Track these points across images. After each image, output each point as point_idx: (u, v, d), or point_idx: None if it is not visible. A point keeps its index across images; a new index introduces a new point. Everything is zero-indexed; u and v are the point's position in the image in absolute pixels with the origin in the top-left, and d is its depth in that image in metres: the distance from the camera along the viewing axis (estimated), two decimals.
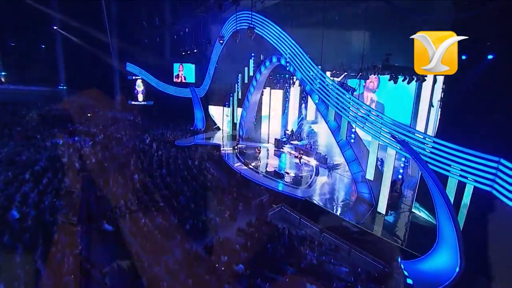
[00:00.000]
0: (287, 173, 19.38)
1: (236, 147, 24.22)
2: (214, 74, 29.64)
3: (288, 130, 27.35)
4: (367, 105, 14.35)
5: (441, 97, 16.66)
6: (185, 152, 23.81)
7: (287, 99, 28.11)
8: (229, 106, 30.08)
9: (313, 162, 21.66)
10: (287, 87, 27.26)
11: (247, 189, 17.28)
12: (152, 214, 12.99)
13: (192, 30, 25.85)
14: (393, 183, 16.25)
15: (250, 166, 20.54)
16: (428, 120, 17.45)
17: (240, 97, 28.11)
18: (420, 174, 14.83)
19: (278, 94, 27.33)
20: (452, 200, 11.27)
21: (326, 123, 17.31)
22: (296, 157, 22.52)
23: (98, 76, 37.22)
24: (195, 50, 23.93)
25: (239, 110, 28.35)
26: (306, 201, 15.67)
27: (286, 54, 19.39)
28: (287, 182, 17.98)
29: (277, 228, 12.83)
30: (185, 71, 34.19)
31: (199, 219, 13.24)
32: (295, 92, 27.67)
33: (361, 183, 15.93)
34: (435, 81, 16.73)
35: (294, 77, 25.78)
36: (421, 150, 11.66)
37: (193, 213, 13.70)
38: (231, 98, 29.45)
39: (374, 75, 18.07)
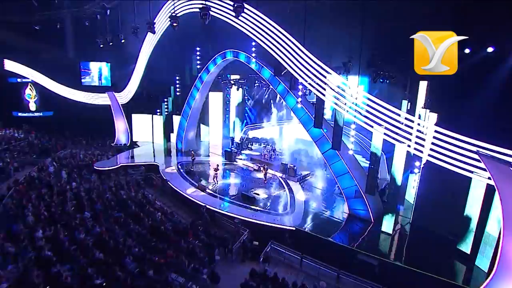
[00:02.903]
0: (257, 194, 15.83)
1: (192, 165, 19.71)
2: (143, 74, 23.96)
3: (236, 139, 23.65)
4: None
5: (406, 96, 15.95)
6: (111, 179, 17.78)
7: (227, 102, 24.39)
8: (161, 114, 24.46)
9: (277, 174, 18.58)
10: (228, 89, 23.47)
11: (217, 226, 12.94)
12: None
13: (116, 12, 18.43)
14: (382, 191, 14.99)
15: (208, 191, 16.13)
16: None
17: (179, 102, 23.31)
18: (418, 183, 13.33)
19: (217, 97, 23.37)
20: (479, 207, 10.04)
21: (307, 131, 14.39)
22: (256, 170, 19.12)
23: None
24: (122, 40, 17.23)
25: (176, 118, 23.33)
26: (298, 231, 12.39)
27: (272, 50, 14.91)
28: (263, 208, 14.38)
29: (287, 285, 9.08)
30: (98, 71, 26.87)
31: None
32: (236, 94, 24.19)
33: (355, 199, 13.54)
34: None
35: (233, 80, 22.16)
36: None
37: (153, 285, 8.78)
38: (164, 104, 23.94)
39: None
